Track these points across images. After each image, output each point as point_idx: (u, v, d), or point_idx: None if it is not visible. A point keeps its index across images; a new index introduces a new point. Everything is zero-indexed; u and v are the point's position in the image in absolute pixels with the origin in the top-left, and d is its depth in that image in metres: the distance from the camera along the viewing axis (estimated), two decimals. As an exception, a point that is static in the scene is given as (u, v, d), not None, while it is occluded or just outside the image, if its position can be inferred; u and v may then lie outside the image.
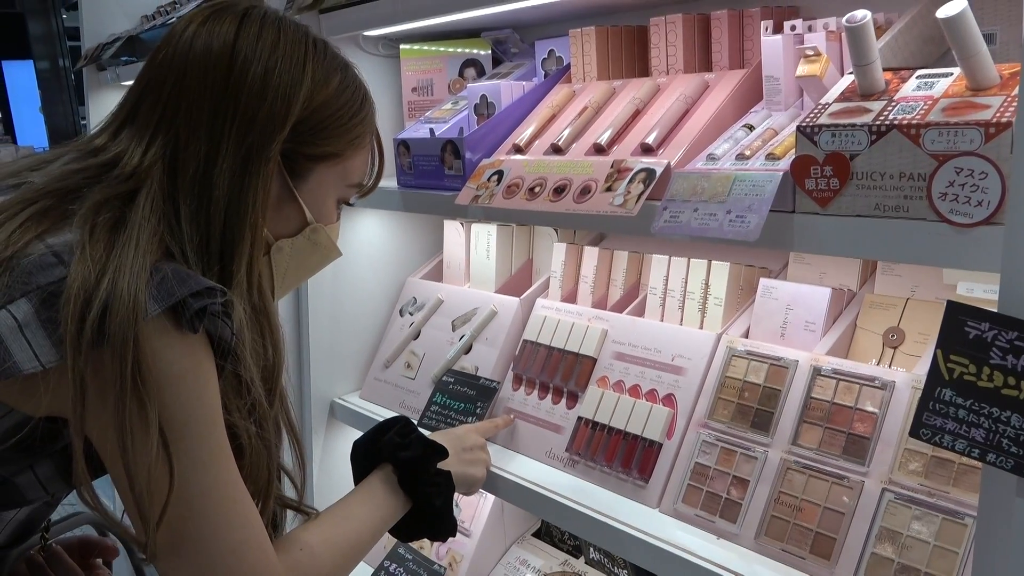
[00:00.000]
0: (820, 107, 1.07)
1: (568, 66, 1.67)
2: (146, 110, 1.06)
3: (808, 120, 1.05)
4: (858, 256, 1.19)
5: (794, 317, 1.35)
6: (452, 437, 1.43)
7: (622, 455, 1.43)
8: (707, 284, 1.46)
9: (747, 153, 1.15)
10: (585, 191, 1.32)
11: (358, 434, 2.02)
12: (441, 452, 1.32)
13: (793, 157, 1.06)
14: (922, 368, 1.20)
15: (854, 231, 1.01)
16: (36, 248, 0.94)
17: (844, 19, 1.01)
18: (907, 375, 1.19)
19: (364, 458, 1.31)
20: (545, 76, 1.73)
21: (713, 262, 1.46)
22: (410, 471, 1.27)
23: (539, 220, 1.53)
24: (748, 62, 1.41)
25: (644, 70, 1.60)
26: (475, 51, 1.89)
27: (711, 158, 1.18)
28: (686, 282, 1.50)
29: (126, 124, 1.07)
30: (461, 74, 1.89)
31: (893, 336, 1.29)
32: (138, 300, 0.90)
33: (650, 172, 1.25)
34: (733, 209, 1.08)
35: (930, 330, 1.26)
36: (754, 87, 1.33)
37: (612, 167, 1.31)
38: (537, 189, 1.40)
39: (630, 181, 1.27)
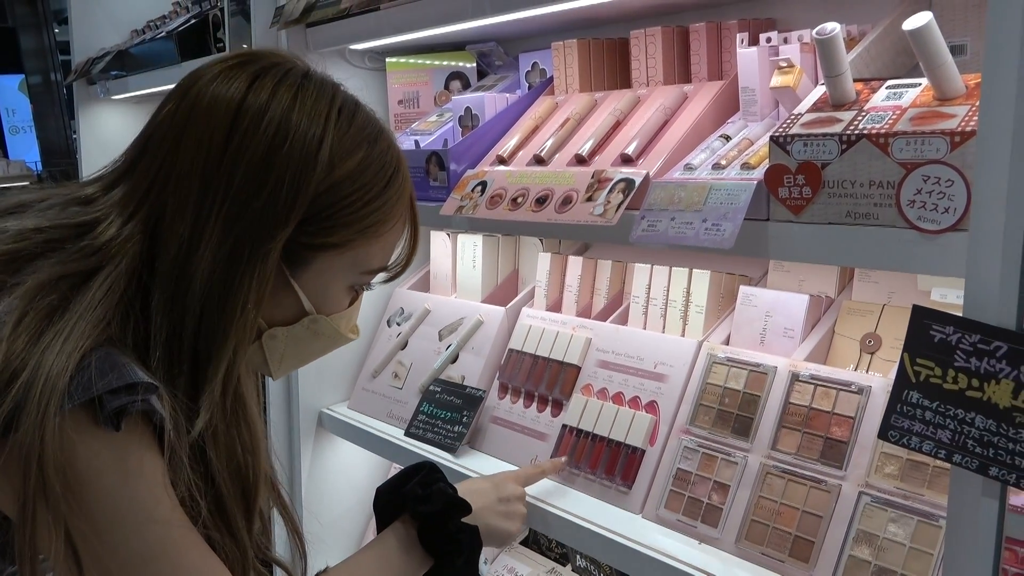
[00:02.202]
0: (793, 117, 1.09)
1: (551, 78, 1.69)
2: (142, 170, 0.94)
3: (781, 130, 1.07)
4: (831, 263, 1.21)
5: (773, 324, 1.37)
6: (490, 485, 1.31)
7: (606, 462, 1.45)
8: (688, 292, 1.48)
9: (723, 163, 1.17)
10: (566, 201, 1.34)
11: (346, 444, 2.07)
12: (463, 508, 1.19)
13: (767, 166, 1.09)
14: (898, 373, 1.22)
15: (827, 238, 1.04)
16: None
17: (814, 32, 1.03)
18: (883, 380, 1.21)
19: (387, 507, 1.21)
20: (529, 88, 1.76)
21: (694, 270, 1.48)
22: (431, 526, 1.17)
23: (521, 230, 1.55)
24: (726, 73, 1.44)
25: (626, 82, 1.62)
26: (460, 64, 1.92)
27: (688, 168, 1.20)
28: (668, 290, 1.52)
29: (122, 179, 0.96)
30: (447, 87, 1.92)
31: (870, 342, 1.31)
32: (53, 395, 0.80)
33: (629, 182, 1.27)
34: (709, 218, 1.10)
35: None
36: (732, 98, 1.35)
37: (593, 177, 1.33)
38: (520, 199, 1.42)
39: (610, 191, 1.29)
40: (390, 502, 1.22)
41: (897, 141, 0.96)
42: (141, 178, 0.94)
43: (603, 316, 1.64)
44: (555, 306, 1.72)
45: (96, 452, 0.83)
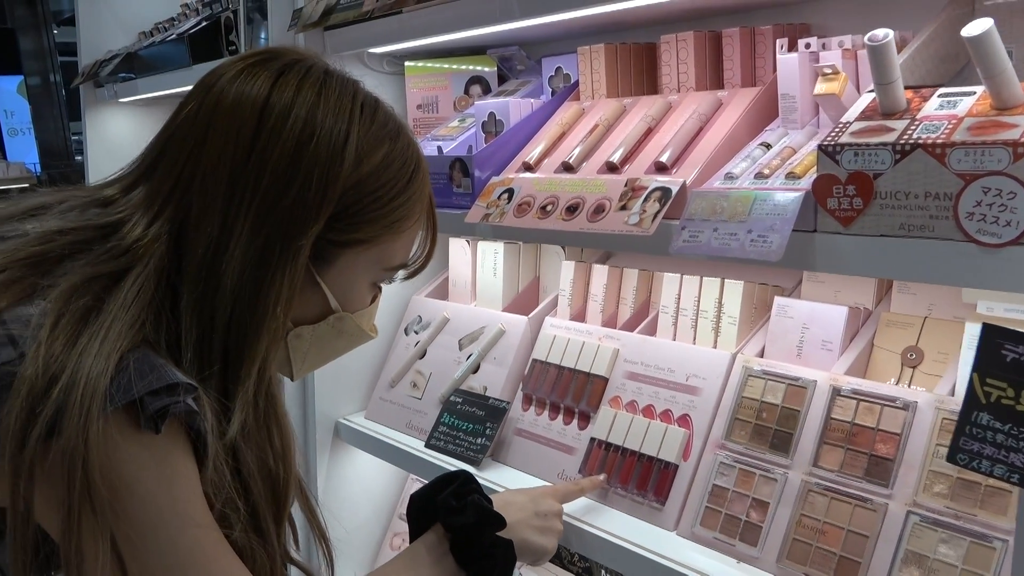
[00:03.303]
0: (841, 126, 1.05)
1: (576, 83, 1.66)
2: (163, 171, 0.94)
3: (830, 139, 1.03)
4: (882, 276, 1.18)
5: (811, 336, 1.34)
6: (528, 499, 1.28)
7: (637, 477, 1.41)
8: (720, 303, 1.45)
9: (766, 172, 1.14)
10: (599, 210, 1.31)
11: (362, 455, 2.03)
12: (498, 522, 1.16)
13: (814, 176, 1.05)
14: (943, 387, 1.19)
15: (878, 251, 1.00)
16: None
17: (866, 37, 1.00)
18: (929, 395, 1.18)
19: (420, 515, 1.18)
20: (552, 93, 1.72)
21: (727, 280, 1.44)
22: (464, 538, 1.14)
23: (551, 239, 1.51)
24: (759, 79, 1.41)
25: (652, 87, 1.59)
26: (481, 68, 1.88)
27: (729, 177, 1.17)
28: (699, 301, 1.48)
29: (142, 180, 0.95)
30: (467, 91, 1.88)
31: (912, 355, 1.27)
32: (95, 397, 0.80)
33: (665, 191, 1.24)
34: (754, 229, 1.06)
35: (949, 349, 1.24)
36: (768, 105, 1.32)
37: (626, 186, 1.30)
38: (549, 208, 1.39)
39: (645, 200, 1.25)
40: (423, 510, 1.19)
41: (955, 152, 0.93)
42: (163, 178, 0.93)
43: (630, 326, 1.60)
44: (579, 315, 1.69)
45: (136, 455, 0.83)
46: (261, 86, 0.92)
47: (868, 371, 1.31)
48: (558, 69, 1.72)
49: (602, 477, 1.44)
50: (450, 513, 1.16)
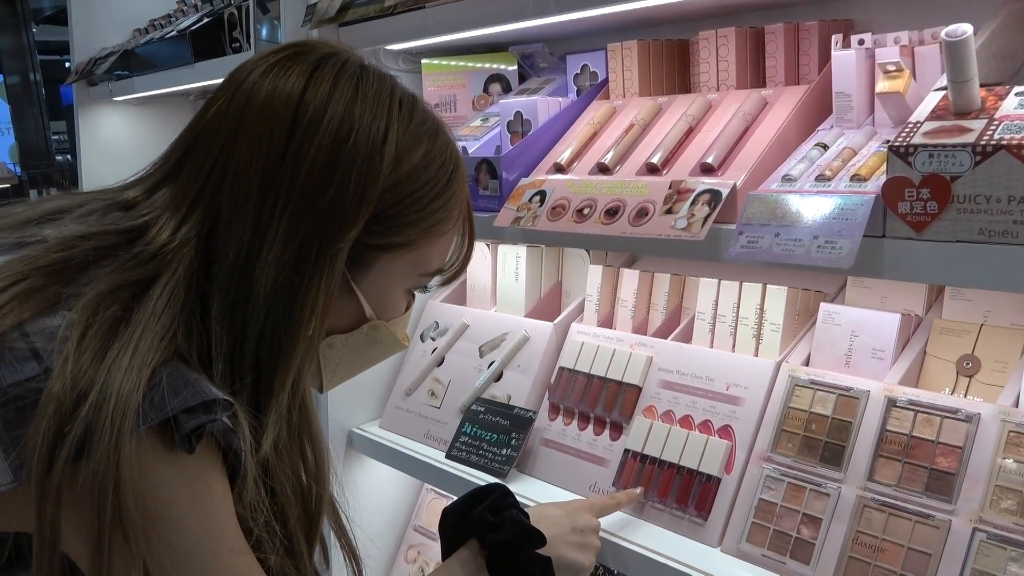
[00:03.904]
0: (911, 126, 1.00)
1: (604, 81, 1.60)
2: (190, 171, 0.88)
3: (901, 140, 0.98)
4: (960, 285, 1.13)
5: (860, 344, 1.29)
6: (564, 513, 1.23)
7: (677, 490, 1.36)
8: (762, 309, 1.40)
9: (828, 174, 1.08)
10: (642, 213, 1.25)
11: (376, 466, 1.97)
12: (537, 540, 1.12)
13: (882, 178, 1.00)
14: (1007, 398, 1.14)
15: (955, 258, 0.95)
16: (10, 337, 0.78)
17: (944, 33, 0.95)
18: (992, 407, 1.13)
19: (454, 530, 1.14)
20: (578, 92, 1.67)
21: (768, 286, 1.39)
22: (501, 556, 1.10)
23: (590, 244, 1.46)
24: (803, 77, 1.36)
25: (685, 86, 1.53)
26: (500, 66, 1.82)
27: (787, 179, 1.12)
28: (738, 307, 1.43)
29: (167, 181, 0.90)
30: (486, 90, 1.82)
31: (968, 364, 1.23)
32: (127, 416, 0.75)
33: (715, 194, 1.18)
34: (820, 234, 1.01)
35: (1008, 357, 1.20)
36: (817, 103, 1.27)
37: (670, 188, 1.25)
38: (586, 211, 1.33)
39: (692, 203, 1.20)
40: (457, 525, 1.14)
41: (1044, 153, 0.88)
42: (191, 179, 0.88)
43: (662, 333, 1.55)
44: (607, 321, 1.64)
45: (170, 477, 0.78)
46: (295, 81, 0.87)
47: (921, 381, 1.26)
48: (584, 67, 1.66)
49: (639, 491, 1.38)
50: (487, 529, 1.11)
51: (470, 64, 1.83)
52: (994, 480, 1.09)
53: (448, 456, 1.67)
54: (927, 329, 1.28)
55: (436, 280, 1.04)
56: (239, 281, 0.85)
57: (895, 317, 1.27)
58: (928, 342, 1.27)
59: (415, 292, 1.04)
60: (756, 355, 1.40)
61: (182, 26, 2.43)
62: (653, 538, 1.33)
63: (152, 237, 0.86)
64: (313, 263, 0.86)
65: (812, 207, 1.04)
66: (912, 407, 1.18)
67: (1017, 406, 1.13)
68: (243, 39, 2.22)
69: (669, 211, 1.22)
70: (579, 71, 1.67)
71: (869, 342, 1.28)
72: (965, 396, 1.22)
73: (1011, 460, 1.08)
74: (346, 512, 1.04)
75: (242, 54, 2.20)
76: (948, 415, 1.15)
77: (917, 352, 1.27)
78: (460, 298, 1.91)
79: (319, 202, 0.85)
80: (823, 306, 1.34)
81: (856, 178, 1.05)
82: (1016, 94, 0.99)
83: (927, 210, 0.96)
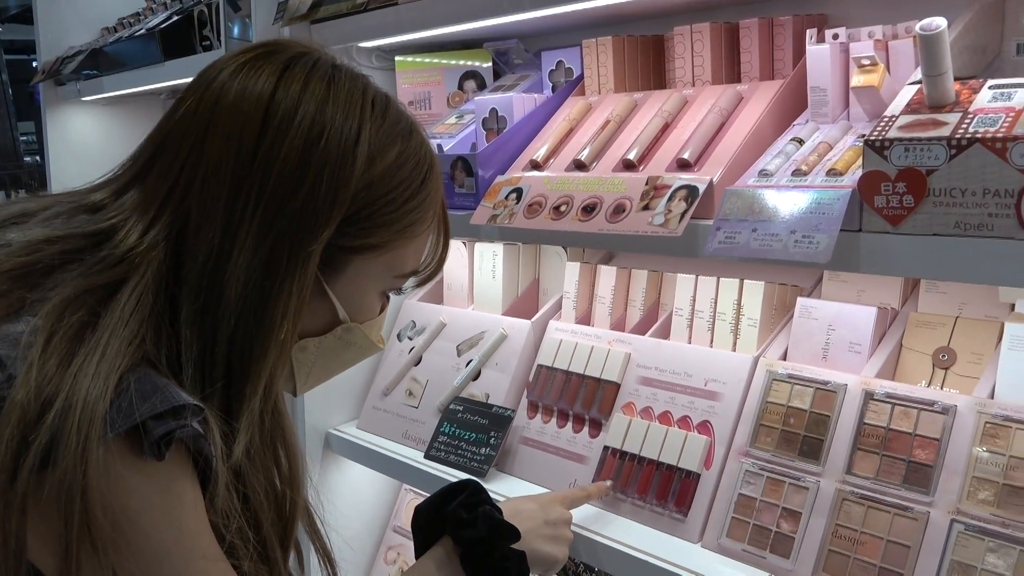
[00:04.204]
0: (887, 120, 1.01)
1: (580, 77, 1.60)
2: (159, 172, 0.86)
3: (877, 134, 0.99)
4: (936, 278, 1.13)
5: (837, 338, 1.29)
6: (536, 506, 1.23)
7: (656, 486, 1.36)
8: (739, 304, 1.40)
9: (804, 168, 1.09)
10: (619, 210, 1.25)
11: (353, 467, 1.95)
12: (511, 535, 1.12)
13: (859, 173, 1.01)
14: (982, 390, 1.15)
15: (931, 251, 0.96)
16: None
17: (918, 27, 0.95)
18: (968, 399, 1.14)
19: (427, 528, 1.13)
20: (553, 88, 1.66)
21: (746, 281, 1.39)
22: (475, 552, 1.09)
23: (567, 241, 1.45)
24: (778, 72, 1.36)
25: (660, 82, 1.53)
26: (475, 63, 1.81)
27: (764, 174, 1.11)
28: (715, 302, 1.43)
29: (135, 183, 0.88)
30: (460, 87, 1.81)
31: (944, 357, 1.24)
32: (94, 423, 0.73)
33: (692, 189, 1.18)
34: (798, 229, 1.01)
35: (983, 349, 1.21)
36: (792, 99, 1.27)
37: (647, 184, 1.24)
38: (563, 208, 1.32)
39: (669, 199, 1.20)
40: (430, 523, 1.14)
41: (1018, 146, 0.88)
42: (159, 181, 0.86)
43: (640, 330, 1.55)
44: (584, 319, 1.63)
45: (140, 485, 0.76)
46: (266, 81, 0.85)
47: (897, 373, 1.27)
48: (559, 63, 1.65)
49: (609, 483, 1.39)
50: (460, 526, 1.11)
51: (444, 61, 1.82)
52: (971, 471, 1.10)
53: (427, 456, 1.66)
54: (903, 322, 1.29)
55: (411, 282, 1.03)
56: (209, 284, 0.83)
57: (871, 311, 1.27)
58: (904, 335, 1.28)
59: (389, 294, 1.03)
60: (734, 350, 1.40)
61: (151, 24, 2.40)
62: (633, 535, 1.33)
63: (120, 240, 0.84)
64: (285, 266, 0.85)
65: (789, 202, 1.04)
66: (889, 400, 1.19)
67: (992, 397, 1.14)
68: (214, 37, 2.19)
69: (646, 207, 1.21)
70: (554, 67, 1.66)
71: (846, 336, 1.29)
72: (942, 388, 1.22)
73: (987, 451, 1.09)
74: (321, 516, 1.03)
75: (213, 52, 2.17)
76: (925, 407, 1.16)
77: (894, 345, 1.27)
78: (437, 297, 1.90)
79: (290, 204, 0.84)
80: (800, 300, 1.34)
81: (832, 172, 1.05)
82: (990, 87, 0.99)
83: (903, 204, 0.97)
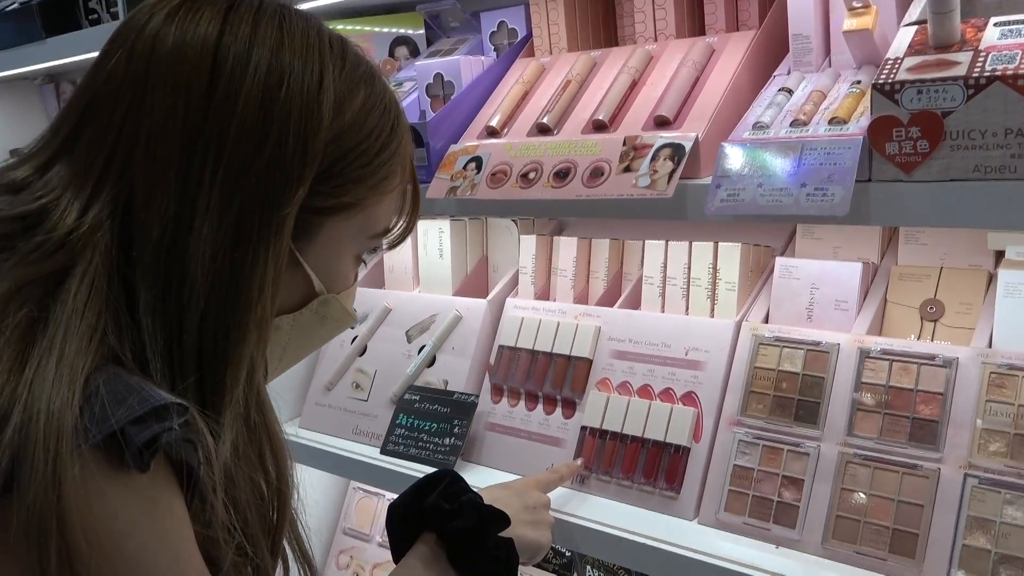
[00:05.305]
0: (892, 62, 0.95)
1: (527, 38, 1.50)
2: (90, 140, 0.75)
3: (885, 77, 0.93)
4: (955, 225, 1.09)
5: (821, 297, 1.25)
6: (511, 492, 1.16)
7: (643, 465, 1.29)
8: (715, 268, 1.34)
9: (802, 118, 1.03)
10: (597, 173, 1.16)
11: (299, 469, 1.81)
12: (502, 520, 1.05)
13: (864, 120, 0.95)
14: (980, 340, 1.13)
15: (950, 198, 0.91)
16: None
17: (929, -40, 0.90)
18: (970, 350, 1.11)
19: (404, 525, 1.05)
20: (496, 52, 1.56)
21: (721, 244, 1.34)
22: (463, 544, 1.02)
23: (539, 211, 1.36)
24: (743, 24, 1.30)
25: (614, 39, 1.45)
26: (404, 29, 1.69)
27: (759, 127, 1.05)
28: (688, 267, 1.37)
29: (60, 155, 0.77)
30: (392, 54, 1.69)
31: (931, 309, 1.21)
32: (62, 436, 0.63)
33: (677, 147, 1.11)
34: (808, 182, 0.95)
35: (971, 299, 1.19)
36: (769, 48, 1.21)
37: (625, 145, 1.16)
38: (532, 175, 1.23)
39: (652, 159, 1.12)
40: (406, 519, 1.06)
41: (1042, 82, 0.85)
42: (92, 151, 0.75)
43: (606, 302, 1.47)
44: (543, 294, 1.55)
45: (124, 503, 0.67)
46: (209, 25, 0.75)
47: (884, 329, 1.24)
48: (501, 24, 1.55)
49: (579, 462, 1.33)
50: (445, 517, 1.03)
51: (372, 28, 1.69)
52: (980, 424, 1.07)
53: (383, 451, 1.55)
54: (885, 276, 1.26)
55: (385, 242, 0.94)
56: (168, 264, 0.73)
57: (856, 266, 1.23)
58: (888, 289, 1.25)
59: (364, 259, 0.94)
60: (712, 316, 1.34)
61: (26, -2, 2.16)
62: (625, 517, 1.26)
63: (55, 223, 0.73)
64: (257, 233, 0.75)
65: (795, 153, 0.97)
66: (886, 356, 1.15)
67: (991, 347, 1.11)
68: (102, 9, 1.99)
69: (627, 169, 1.14)
70: (495, 29, 1.56)
71: (831, 294, 1.25)
72: (931, 341, 1.20)
73: (995, 402, 1.07)
74: (305, 522, 0.92)
75: (103, 27, 1.97)
76: (925, 362, 1.13)
77: (879, 300, 1.24)
78: (378, 281, 1.78)
79: (255, 162, 0.74)
80: (779, 260, 1.30)
81: (835, 121, 1.00)
82: (996, 24, 0.95)
83: (917, 149, 0.92)
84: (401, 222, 0.93)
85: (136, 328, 0.73)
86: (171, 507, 0.70)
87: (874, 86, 0.93)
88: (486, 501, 1.09)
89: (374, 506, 1.88)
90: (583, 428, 1.37)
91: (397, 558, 1.06)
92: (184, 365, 0.74)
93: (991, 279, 1.18)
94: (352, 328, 1.67)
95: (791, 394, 1.21)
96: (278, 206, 0.76)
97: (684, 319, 1.35)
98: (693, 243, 1.36)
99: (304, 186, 0.77)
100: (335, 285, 0.87)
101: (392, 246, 0.95)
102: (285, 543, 0.89)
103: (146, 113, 0.73)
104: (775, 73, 1.17)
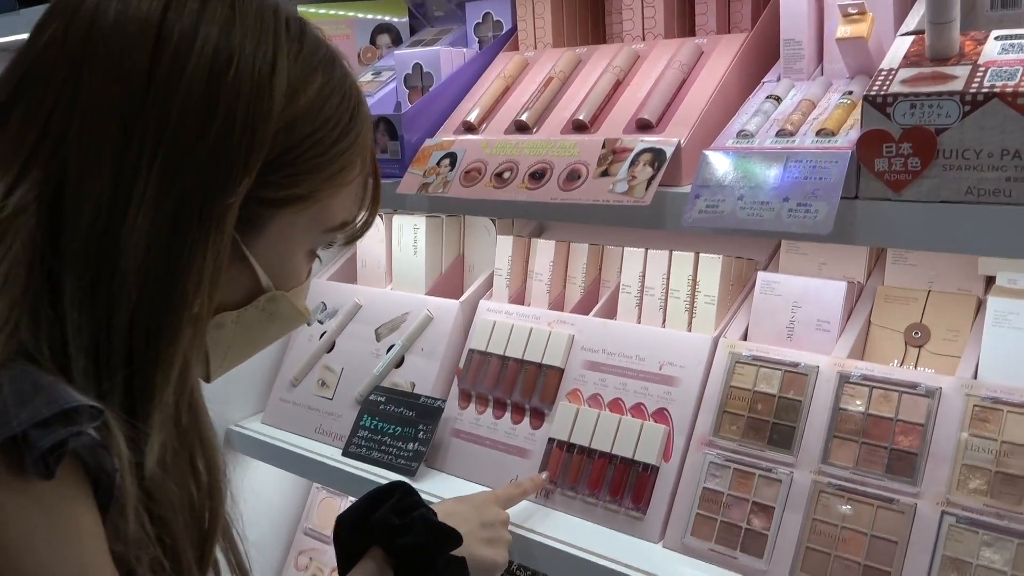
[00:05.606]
0: (885, 74, 0.90)
1: (512, 31, 1.44)
2: (21, 118, 0.70)
3: (878, 88, 0.88)
4: (944, 250, 1.03)
5: (803, 315, 1.20)
6: (469, 507, 1.12)
7: (610, 482, 1.24)
8: (695, 280, 1.28)
9: (789, 128, 0.97)
10: (573, 176, 1.11)
11: (258, 467, 1.76)
12: (454, 538, 1.01)
13: (853, 133, 0.90)
14: (965, 370, 1.07)
15: (940, 220, 0.86)
16: None
17: (929, -33, 0.84)
18: (954, 379, 1.06)
19: (353, 538, 1.00)
20: (480, 44, 1.50)
21: (702, 255, 1.28)
22: (413, 561, 0.98)
23: (512, 212, 1.30)
24: (735, 26, 1.24)
25: (601, 36, 1.40)
26: (388, 16, 1.63)
27: (744, 135, 0.99)
28: (667, 278, 1.31)
29: None
30: (373, 42, 1.63)
31: (916, 334, 1.16)
32: None
33: (658, 153, 1.05)
34: (792, 196, 0.90)
35: (959, 325, 1.13)
36: (759, 53, 1.15)
37: (604, 147, 1.11)
38: (507, 175, 1.17)
39: (632, 164, 1.07)
40: (355, 532, 1.01)
41: (1043, 101, 0.79)
42: (23, 128, 0.70)
43: (582, 309, 1.42)
44: (518, 297, 1.49)
45: (22, 512, 0.61)
46: (153, 1, 0.69)
47: (866, 353, 1.19)
48: (487, 15, 1.49)
49: (544, 475, 1.28)
50: (394, 533, 0.99)
51: (354, 14, 1.63)
52: (960, 459, 1.02)
53: (345, 453, 1.49)
54: (871, 297, 1.21)
55: (341, 237, 0.87)
56: (99, 253, 0.68)
57: (841, 285, 1.18)
58: (873, 311, 1.20)
59: (318, 254, 0.87)
60: (690, 330, 1.29)
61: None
62: (586, 536, 1.21)
63: None
64: (196, 224, 0.69)
65: (779, 165, 0.92)
66: (866, 383, 1.10)
67: (976, 378, 1.06)
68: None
69: (605, 173, 1.08)
70: (480, 20, 1.50)
71: (813, 313, 1.19)
72: (915, 368, 1.14)
73: (978, 436, 1.01)
74: (240, 529, 0.87)
75: None
76: (907, 390, 1.07)
77: (863, 322, 1.19)
78: (350, 276, 1.72)
79: (198, 148, 0.69)
80: (760, 275, 1.24)
81: (823, 132, 0.94)
82: (996, 38, 0.89)
83: (908, 167, 0.86)
84: (360, 216, 0.86)
85: (59, 322, 0.67)
86: (78, 519, 0.64)
87: (865, 98, 0.88)
88: (442, 516, 1.05)
89: (337, 507, 1.82)
90: (551, 440, 1.31)
91: (343, 573, 1.01)
92: (111, 363, 0.68)
93: (980, 305, 1.12)
94: (309, 325, 1.62)
95: (766, 416, 1.15)
96: (221, 195, 0.70)
97: (660, 332, 1.29)
98: (673, 253, 1.31)
99: (250, 175, 0.71)
100: (285, 281, 0.82)
101: (349, 241, 0.88)
102: (218, 551, 0.84)
103: (82, 92, 0.68)
104: (764, 79, 1.11)
